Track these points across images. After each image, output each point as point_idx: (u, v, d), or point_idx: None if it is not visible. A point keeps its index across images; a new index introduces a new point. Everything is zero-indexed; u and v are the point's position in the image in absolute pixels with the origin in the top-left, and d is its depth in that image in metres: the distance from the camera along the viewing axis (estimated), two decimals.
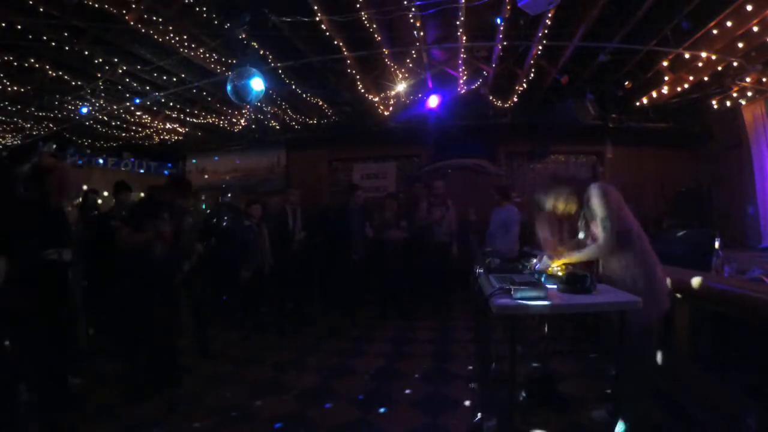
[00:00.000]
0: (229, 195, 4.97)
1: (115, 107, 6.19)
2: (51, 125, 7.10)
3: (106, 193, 6.45)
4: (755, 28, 3.86)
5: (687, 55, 4.55)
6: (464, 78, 5.42)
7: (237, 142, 8.72)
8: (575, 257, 2.42)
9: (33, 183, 2.95)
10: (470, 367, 3.58)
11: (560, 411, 2.68)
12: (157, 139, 8.51)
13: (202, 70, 5.16)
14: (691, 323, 2.75)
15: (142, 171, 9.13)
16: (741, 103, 5.63)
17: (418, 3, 3.72)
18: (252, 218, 4.84)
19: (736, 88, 5.19)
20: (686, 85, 5.28)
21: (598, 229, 2.33)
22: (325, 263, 5.58)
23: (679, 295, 2.74)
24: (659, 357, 2.72)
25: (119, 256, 3.15)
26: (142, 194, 3.41)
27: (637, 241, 2.32)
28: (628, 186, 5.27)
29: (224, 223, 4.71)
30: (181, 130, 8.04)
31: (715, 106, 5.90)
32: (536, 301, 1.87)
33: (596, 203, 2.27)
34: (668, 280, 2.44)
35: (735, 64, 4.52)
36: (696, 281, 2.52)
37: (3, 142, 8.08)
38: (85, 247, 4.04)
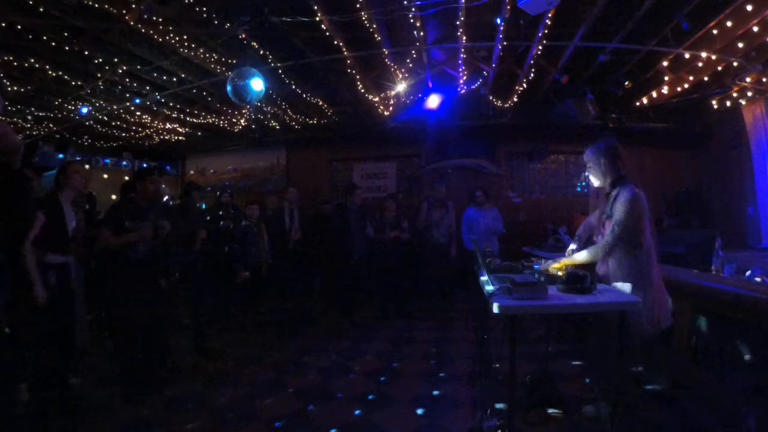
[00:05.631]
0: (227, 192, 4.95)
1: (115, 107, 6.18)
2: (51, 125, 7.09)
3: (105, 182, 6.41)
4: (755, 28, 3.86)
5: (687, 55, 4.55)
6: (464, 78, 5.42)
7: (237, 143, 8.72)
8: (576, 259, 2.42)
9: None
10: (470, 367, 3.57)
11: (560, 411, 2.68)
12: (157, 139, 8.50)
13: (202, 70, 5.15)
14: (691, 323, 2.75)
15: None
16: (741, 103, 5.63)
17: (418, 3, 3.72)
18: (250, 218, 4.84)
19: (736, 88, 5.18)
20: (686, 85, 5.27)
21: (607, 229, 2.29)
22: (324, 263, 5.58)
23: (677, 296, 2.73)
24: (656, 358, 2.72)
25: (104, 258, 3.10)
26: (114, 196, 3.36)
27: (645, 257, 2.25)
28: None
29: (226, 222, 4.70)
30: (181, 130, 8.03)
31: (715, 106, 5.89)
32: (536, 301, 1.87)
33: (619, 207, 2.22)
34: (669, 301, 2.38)
35: (735, 64, 4.52)
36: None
37: None
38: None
